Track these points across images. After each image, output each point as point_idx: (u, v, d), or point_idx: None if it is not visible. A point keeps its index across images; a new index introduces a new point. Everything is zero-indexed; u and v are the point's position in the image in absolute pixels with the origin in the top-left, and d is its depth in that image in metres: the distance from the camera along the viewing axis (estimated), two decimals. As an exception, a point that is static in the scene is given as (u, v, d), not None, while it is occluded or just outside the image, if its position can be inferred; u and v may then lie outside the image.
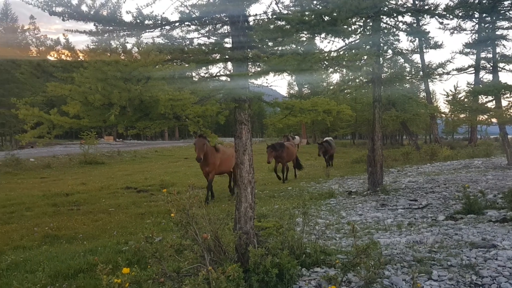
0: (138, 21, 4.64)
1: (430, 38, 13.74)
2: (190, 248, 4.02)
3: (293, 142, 22.60)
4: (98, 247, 6.89)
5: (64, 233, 8.38)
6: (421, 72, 17.40)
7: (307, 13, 4.47)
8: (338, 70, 12.11)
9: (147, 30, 4.98)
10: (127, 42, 4.84)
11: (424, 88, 38.27)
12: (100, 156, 27.95)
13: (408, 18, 12.36)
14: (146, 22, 4.71)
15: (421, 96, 39.92)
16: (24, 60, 4.59)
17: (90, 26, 4.65)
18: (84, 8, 4.26)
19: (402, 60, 19.00)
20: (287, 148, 16.86)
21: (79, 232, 8.44)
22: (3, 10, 56.51)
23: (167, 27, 5.13)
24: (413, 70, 17.47)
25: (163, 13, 4.79)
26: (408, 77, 17.67)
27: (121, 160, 28.84)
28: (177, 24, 5.10)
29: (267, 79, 6.01)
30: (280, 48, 5.08)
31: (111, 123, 4.02)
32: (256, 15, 5.17)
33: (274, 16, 5.00)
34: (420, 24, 15.83)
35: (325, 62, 5.11)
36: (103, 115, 3.93)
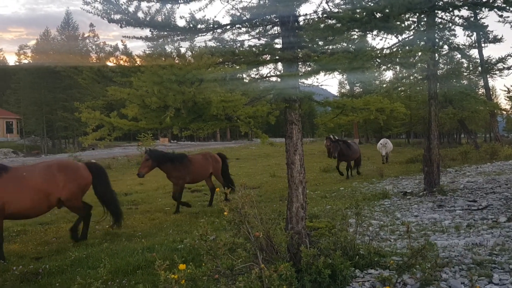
0: (191, 25, 4.78)
1: (488, 32, 13.11)
2: (243, 247, 4.08)
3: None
4: (155, 245, 7.14)
5: (123, 231, 8.74)
6: (479, 68, 16.64)
7: (358, 10, 4.42)
8: (391, 68, 11.83)
9: (200, 34, 5.11)
10: (181, 46, 5.00)
11: (483, 84, 36.47)
12: (156, 157, 28.79)
13: (464, 12, 11.86)
14: (199, 26, 4.83)
15: (480, 92, 38.11)
16: (86, 66, 4.85)
17: (146, 32, 4.86)
18: (140, 15, 4.45)
19: (459, 56, 18.27)
20: (191, 163, 11.47)
21: (138, 230, 8.78)
22: (65, 20, 59.70)
23: (219, 30, 5.24)
24: (471, 65, 16.73)
25: (215, 16, 4.90)
26: (465, 73, 16.96)
27: (175, 161, 29.57)
28: (228, 27, 5.20)
29: (317, 79, 5.98)
30: (330, 47, 5.05)
31: (166, 125, 4.17)
32: (306, 14, 5.17)
33: (325, 15, 4.98)
34: (478, 17, 15.13)
35: (378, 59, 5.03)
36: (159, 117, 4.09)
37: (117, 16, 4.40)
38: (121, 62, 4.33)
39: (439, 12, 11.12)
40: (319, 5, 5.31)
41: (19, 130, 60.74)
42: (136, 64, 4.19)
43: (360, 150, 19.50)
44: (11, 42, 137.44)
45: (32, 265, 6.33)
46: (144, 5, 4.52)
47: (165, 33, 4.94)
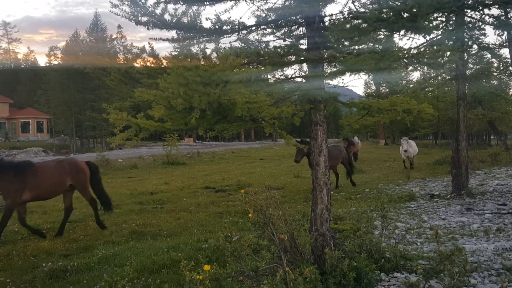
0: (217, 27, 4.81)
1: (520, 30, 12.75)
2: (267, 248, 4.08)
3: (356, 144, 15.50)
4: (180, 244, 7.20)
5: (149, 229, 8.85)
6: (510, 68, 16.22)
7: (385, 10, 4.37)
8: (419, 68, 11.62)
9: (225, 35, 5.14)
10: (207, 48, 5.04)
11: (514, 84, 35.43)
12: (181, 157, 29.06)
13: (495, 11, 11.58)
14: (224, 27, 4.87)
15: (510, 93, 37.08)
16: (113, 68, 4.93)
17: (172, 34, 4.92)
18: (167, 17, 4.51)
19: (488, 55, 17.85)
20: (37, 174, 8.24)
21: (163, 229, 8.88)
22: (94, 21, 60.96)
23: (244, 32, 5.26)
24: (501, 65, 16.33)
25: (240, 18, 4.93)
26: (495, 73, 16.57)
27: (200, 161, 29.83)
28: (253, 28, 5.21)
29: (343, 79, 5.93)
30: (356, 47, 5.00)
31: (192, 126, 4.21)
32: (331, 15, 5.13)
33: (351, 15, 4.94)
34: (509, 16, 14.76)
35: (405, 60, 4.95)
36: (185, 118, 4.13)
37: (144, 18, 4.47)
38: (148, 63, 4.39)
39: (469, 11, 10.86)
40: (345, 5, 5.28)
41: (49, 129, 62.40)
42: (162, 66, 4.25)
43: (343, 156, 15.63)
44: (42, 44, 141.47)
45: (61, 262, 6.47)
46: (170, 7, 4.59)
47: (191, 34, 4.99)
